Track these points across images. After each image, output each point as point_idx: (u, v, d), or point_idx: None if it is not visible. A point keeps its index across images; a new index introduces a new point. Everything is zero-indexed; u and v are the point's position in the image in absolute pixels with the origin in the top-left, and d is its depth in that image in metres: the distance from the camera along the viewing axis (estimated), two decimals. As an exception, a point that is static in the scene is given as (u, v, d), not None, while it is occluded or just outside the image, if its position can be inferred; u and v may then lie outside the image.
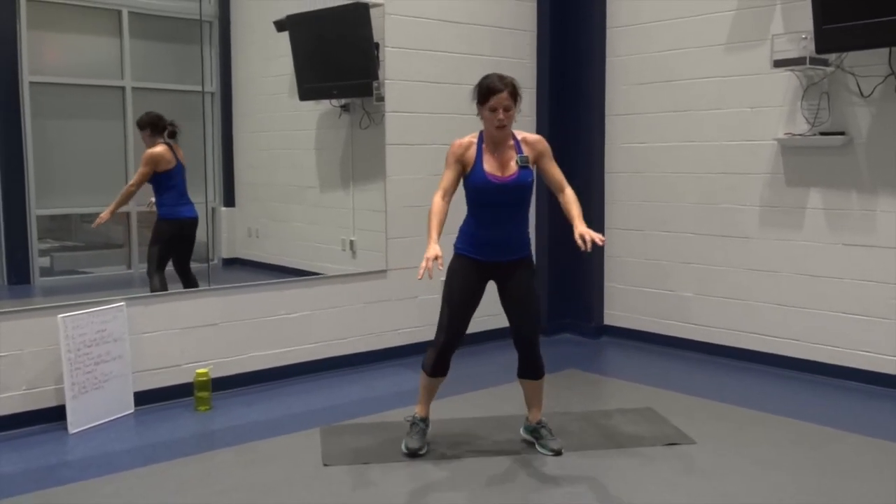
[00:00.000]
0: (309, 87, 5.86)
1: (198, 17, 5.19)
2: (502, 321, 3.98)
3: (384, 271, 5.65)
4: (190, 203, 5.28)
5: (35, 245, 5.02)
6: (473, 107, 3.77)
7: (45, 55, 5.10)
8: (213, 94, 5.62)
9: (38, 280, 5.05)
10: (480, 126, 3.80)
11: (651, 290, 6.10)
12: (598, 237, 3.54)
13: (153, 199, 5.22)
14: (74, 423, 4.28)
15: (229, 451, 4.02)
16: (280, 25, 5.72)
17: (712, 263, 5.73)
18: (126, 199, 5.18)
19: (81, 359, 4.34)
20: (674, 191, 5.90)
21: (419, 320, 5.67)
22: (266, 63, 6.07)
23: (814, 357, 5.25)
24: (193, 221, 5.30)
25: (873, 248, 4.96)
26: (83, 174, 5.29)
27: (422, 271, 3.44)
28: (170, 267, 5.20)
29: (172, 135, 5.16)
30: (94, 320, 4.42)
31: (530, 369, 3.94)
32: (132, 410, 4.57)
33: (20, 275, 4.98)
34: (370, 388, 5.08)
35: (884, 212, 4.91)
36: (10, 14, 4.82)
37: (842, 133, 5.01)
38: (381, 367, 5.53)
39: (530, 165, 3.77)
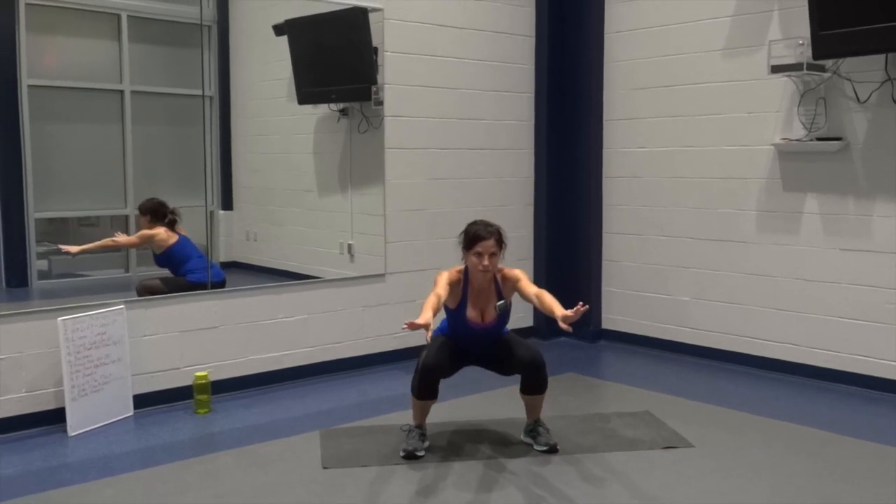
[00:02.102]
0: (308, 91, 5.87)
1: (197, 21, 5.19)
2: (501, 325, 4.00)
3: (382, 275, 5.66)
4: (215, 266, 5.25)
5: (33, 248, 5.01)
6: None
7: (43, 58, 5.10)
8: (211, 97, 5.62)
9: (37, 283, 5.05)
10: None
11: (649, 295, 6.11)
12: (576, 311, 3.55)
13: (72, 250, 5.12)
14: (74, 426, 4.28)
15: (229, 454, 4.02)
16: (279, 30, 5.72)
17: (710, 268, 5.75)
18: (102, 248, 5.19)
19: (81, 361, 4.35)
20: (671, 195, 5.92)
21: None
22: (265, 67, 6.08)
23: (811, 361, 5.27)
24: (223, 284, 5.19)
25: (870, 252, 4.99)
26: (81, 178, 5.29)
27: (408, 325, 3.47)
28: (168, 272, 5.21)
29: (172, 224, 5.14)
30: (94, 323, 4.42)
31: (536, 387, 4.01)
32: (131, 413, 4.58)
33: (19, 278, 4.98)
34: (369, 392, 5.09)
35: (880, 217, 4.94)
36: (8, 17, 4.81)
37: (838, 139, 5.04)
38: (380, 370, 5.53)
39: (508, 306, 4.01)
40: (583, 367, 5.72)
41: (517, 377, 4.05)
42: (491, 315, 3.97)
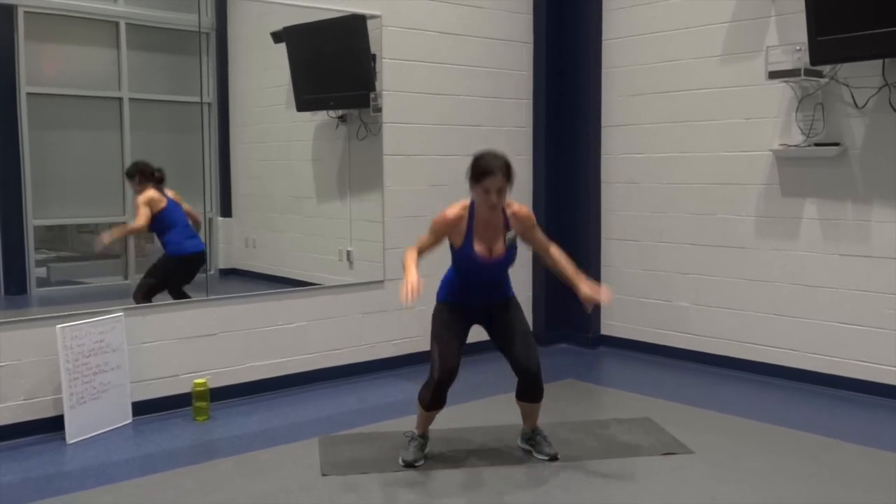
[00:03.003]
0: (306, 99, 5.88)
1: (195, 29, 5.20)
2: (500, 330, 3.99)
3: (381, 282, 5.66)
4: (195, 237, 5.29)
5: (32, 255, 5.01)
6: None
7: (42, 66, 5.10)
8: (210, 104, 5.62)
9: (35, 290, 5.04)
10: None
11: (648, 301, 6.11)
12: (605, 296, 3.71)
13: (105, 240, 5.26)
14: (72, 434, 4.27)
15: (227, 461, 4.02)
16: (277, 37, 5.73)
17: (709, 274, 5.75)
18: (128, 233, 5.24)
19: (80, 369, 4.34)
20: (670, 201, 5.93)
21: (417, 331, 5.66)
22: (263, 74, 6.08)
23: (810, 367, 5.27)
24: (200, 255, 5.29)
25: (869, 258, 4.99)
26: (80, 185, 5.28)
27: (404, 293, 3.48)
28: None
29: (160, 181, 5.16)
30: (93, 330, 4.42)
31: (531, 395, 3.96)
32: (130, 420, 4.57)
33: (17, 285, 4.97)
34: (367, 399, 5.08)
35: (878, 222, 4.94)
36: (7, 25, 4.82)
37: (836, 144, 5.04)
38: (379, 377, 5.53)
39: (517, 242, 3.88)
40: (582, 373, 5.72)
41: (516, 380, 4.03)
42: (499, 248, 3.81)
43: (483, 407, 4.82)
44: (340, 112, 5.86)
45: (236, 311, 5.06)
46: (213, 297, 5.06)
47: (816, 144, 5.11)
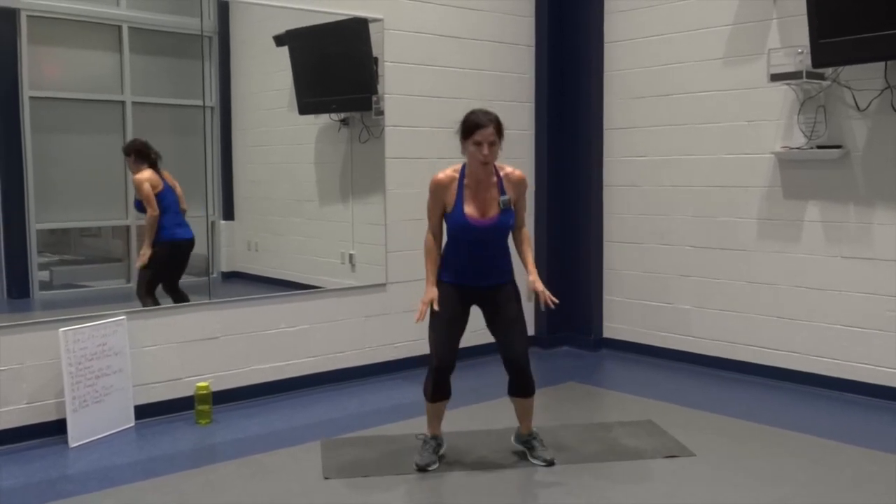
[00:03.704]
0: (308, 102, 5.88)
1: (198, 33, 5.20)
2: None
3: (384, 285, 5.66)
4: (186, 224, 5.29)
5: (35, 259, 5.01)
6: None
7: (45, 70, 5.11)
8: (212, 108, 5.63)
9: (38, 294, 5.05)
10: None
11: (650, 303, 6.11)
12: (550, 299, 3.75)
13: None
14: (75, 437, 4.27)
15: (230, 465, 4.02)
16: (279, 40, 5.74)
17: (711, 276, 5.75)
18: (154, 226, 5.17)
19: (82, 372, 4.35)
20: (672, 204, 5.93)
21: (419, 334, 5.59)
22: (265, 78, 6.09)
23: (813, 369, 5.26)
24: (190, 242, 5.29)
25: (871, 260, 4.98)
26: (83, 188, 5.29)
27: (419, 315, 3.71)
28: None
29: (155, 163, 5.17)
30: (95, 334, 4.43)
31: (521, 389, 3.94)
32: (133, 424, 4.57)
33: (20, 289, 4.98)
34: (370, 402, 5.09)
35: (881, 224, 4.93)
36: (10, 29, 4.83)
37: (838, 146, 5.04)
38: (381, 380, 5.53)
39: (512, 207, 3.81)
40: (584, 375, 5.71)
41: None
42: (493, 210, 3.75)
43: (485, 410, 4.82)
44: (342, 115, 5.87)
45: (239, 314, 5.06)
46: (215, 300, 5.06)
47: (818, 147, 5.11)
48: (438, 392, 3.86)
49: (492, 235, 3.80)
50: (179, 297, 5.12)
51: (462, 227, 3.77)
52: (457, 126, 3.77)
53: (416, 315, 3.75)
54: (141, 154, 5.14)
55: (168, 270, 5.19)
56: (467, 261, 3.84)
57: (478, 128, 3.66)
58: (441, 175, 3.81)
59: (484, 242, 3.81)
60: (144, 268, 5.17)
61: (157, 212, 5.11)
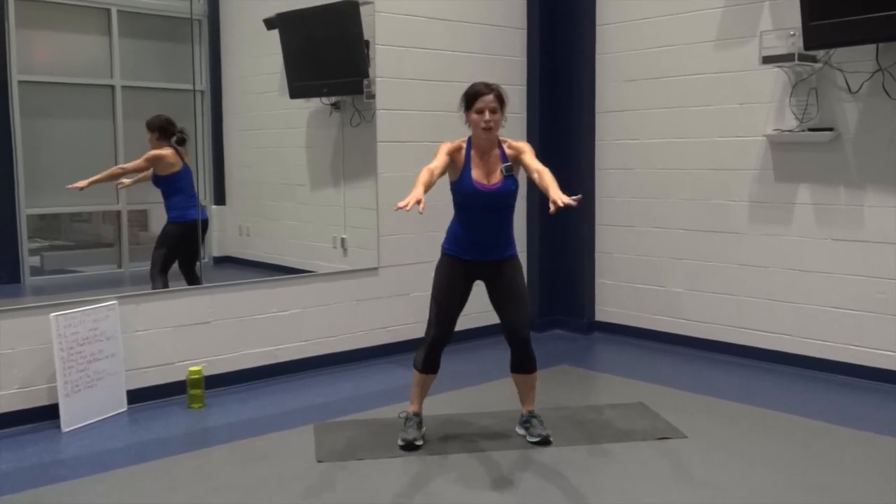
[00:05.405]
0: (299, 86, 5.86)
1: (188, 16, 5.18)
2: (495, 317, 4.00)
3: (376, 269, 5.66)
4: (197, 206, 5.29)
5: (25, 244, 5.00)
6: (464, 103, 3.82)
7: (34, 54, 5.08)
8: (203, 92, 5.61)
9: (29, 279, 5.04)
10: (467, 126, 3.85)
11: (642, 286, 6.12)
12: (571, 199, 3.51)
13: (125, 181, 5.23)
14: (67, 422, 4.27)
15: (223, 449, 4.02)
16: (270, 23, 5.71)
17: (703, 259, 5.76)
18: (110, 177, 5.17)
19: (74, 357, 4.34)
20: (664, 187, 5.93)
21: (411, 317, 5.67)
22: (256, 61, 6.06)
23: (804, 352, 5.29)
24: (202, 223, 5.29)
25: (861, 242, 5.00)
26: (73, 173, 5.26)
27: (402, 203, 3.36)
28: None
29: (181, 142, 5.16)
30: (87, 319, 4.42)
31: (523, 364, 3.99)
32: (125, 408, 4.57)
33: (11, 274, 4.97)
34: (362, 385, 5.09)
35: (871, 207, 4.95)
36: (-2, 13, 4.81)
37: (830, 129, 5.05)
38: (373, 364, 5.53)
39: (515, 174, 3.88)
40: (576, 358, 5.73)
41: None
42: (497, 177, 3.83)
43: (480, 392, 4.83)
44: (334, 99, 5.85)
45: (231, 298, 5.06)
46: (207, 284, 5.05)
47: (810, 129, 5.11)
48: (429, 364, 3.94)
49: (498, 203, 3.86)
50: (193, 280, 5.12)
51: (471, 191, 3.82)
52: (459, 102, 3.84)
53: (399, 203, 3.38)
54: (164, 131, 5.14)
55: (180, 250, 5.20)
56: (474, 233, 3.88)
57: (479, 96, 3.79)
58: (450, 143, 3.86)
59: (490, 210, 3.87)
60: (157, 248, 5.20)
61: (122, 169, 5.12)
